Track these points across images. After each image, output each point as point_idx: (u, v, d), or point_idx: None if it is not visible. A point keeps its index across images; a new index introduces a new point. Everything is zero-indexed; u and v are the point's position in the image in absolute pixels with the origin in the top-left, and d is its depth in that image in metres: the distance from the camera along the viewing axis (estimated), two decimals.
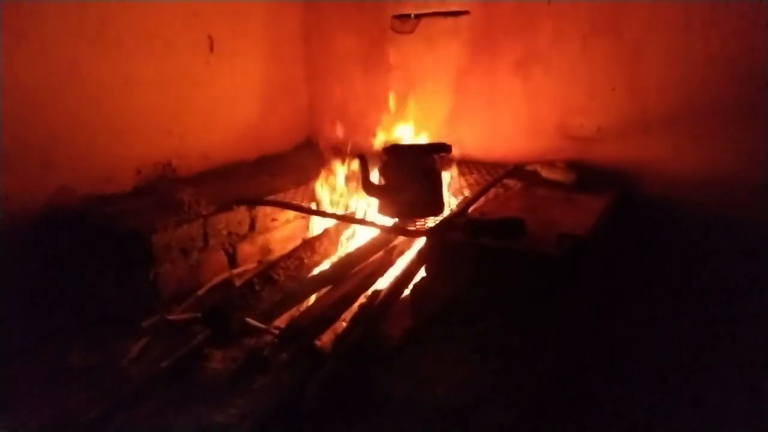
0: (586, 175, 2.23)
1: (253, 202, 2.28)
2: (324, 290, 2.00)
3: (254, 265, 2.28)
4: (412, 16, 2.69)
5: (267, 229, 2.38)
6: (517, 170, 2.36)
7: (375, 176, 2.09)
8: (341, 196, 2.39)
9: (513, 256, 1.65)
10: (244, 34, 2.76)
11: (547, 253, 1.61)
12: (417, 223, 1.98)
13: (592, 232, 1.79)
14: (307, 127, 3.15)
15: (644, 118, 2.23)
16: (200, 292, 2.08)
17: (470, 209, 2.02)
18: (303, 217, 2.48)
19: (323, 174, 2.42)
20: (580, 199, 2.10)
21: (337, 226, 2.28)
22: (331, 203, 2.37)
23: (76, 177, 2.16)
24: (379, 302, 1.86)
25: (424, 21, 2.69)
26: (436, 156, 2.06)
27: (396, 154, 2.04)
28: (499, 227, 1.71)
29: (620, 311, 2.12)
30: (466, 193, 2.19)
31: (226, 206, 2.20)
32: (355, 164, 2.14)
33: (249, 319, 1.81)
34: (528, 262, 1.63)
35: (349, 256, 2.10)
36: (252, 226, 2.31)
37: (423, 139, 2.48)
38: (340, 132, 2.56)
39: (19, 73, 1.96)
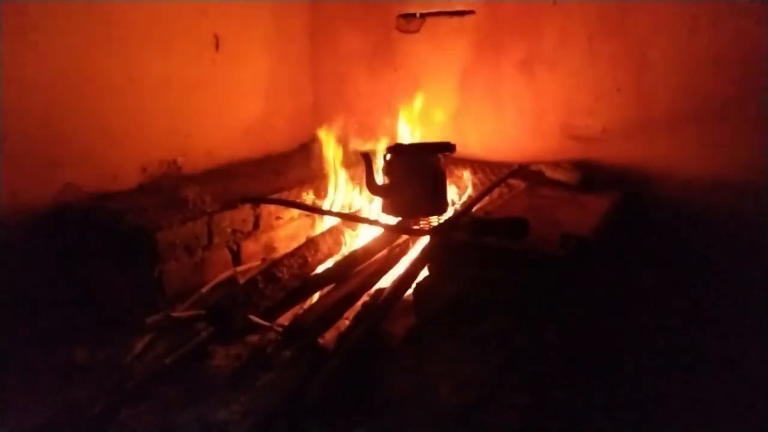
0: (590, 176, 2.23)
1: (258, 200, 2.28)
2: (327, 288, 2.00)
3: (258, 263, 2.28)
4: (418, 15, 2.70)
5: (271, 228, 2.38)
6: (521, 170, 2.36)
7: (379, 175, 2.09)
8: (345, 194, 2.39)
9: (516, 255, 1.65)
10: (250, 33, 2.77)
11: (551, 253, 1.60)
12: (421, 222, 1.98)
13: (596, 233, 1.79)
14: (312, 126, 3.15)
15: (649, 119, 2.23)
16: (204, 290, 2.08)
17: (474, 208, 2.02)
18: (307, 216, 2.48)
19: (328, 172, 2.43)
20: (584, 199, 2.09)
21: (341, 225, 2.28)
22: (335, 202, 2.38)
23: (81, 175, 2.17)
24: (382, 301, 1.86)
25: (429, 20, 2.69)
26: (440, 155, 2.07)
27: (400, 153, 2.05)
28: (502, 227, 1.71)
29: (624, 312, 2.11)
30: (470, 192, 2.19)
31: (230, 204, 2.21)
32: (360, 163, 2.14)
33: (252, 317, 1.81)
34: (531, 262, 1.63)
35: (352, 254, 2.11)
36: (256, 224, 2.31)
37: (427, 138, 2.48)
38: (344, 130, 2.56)
39: (26, 71, 1.98)
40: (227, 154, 2.70)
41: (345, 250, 2.22)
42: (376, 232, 2.20)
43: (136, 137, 2.34)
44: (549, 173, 2.30)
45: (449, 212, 2.03)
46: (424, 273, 1.90)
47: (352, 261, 2.08)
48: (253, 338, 1.80)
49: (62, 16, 2.04)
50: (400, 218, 2.06)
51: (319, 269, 2.09)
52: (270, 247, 2.38)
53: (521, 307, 1.61)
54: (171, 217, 2.04)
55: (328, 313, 1.84)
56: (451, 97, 2.68)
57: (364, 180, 2.05)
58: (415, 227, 1.96)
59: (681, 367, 1.90)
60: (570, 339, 1.68)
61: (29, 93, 1.99)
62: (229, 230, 2.21)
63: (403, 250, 2.18)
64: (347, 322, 1.86)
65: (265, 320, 1.83)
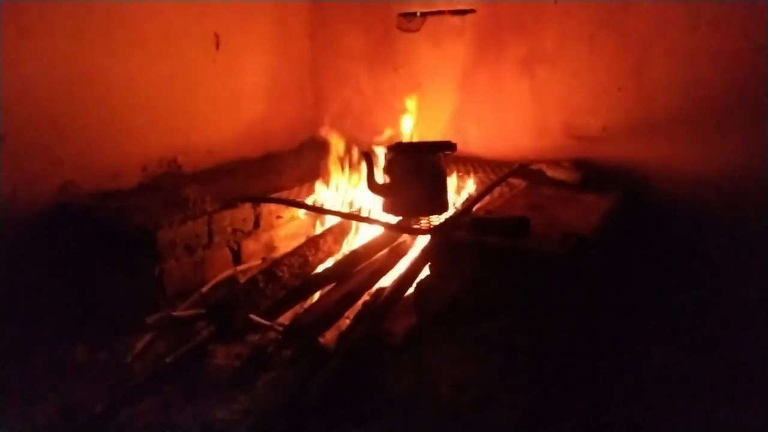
0: (591, 175, 2.23)
1: (258, 199, 2.28)
2: (328, 288, 2.00)
3: (258, 262, 2.28)
4: (418, 14, 2.69)
5: (271, 227, 2.38)
6: (522, 169, 2.36)
7: (380, 174, 2.08)
8: (346, 193, 2.39)
9: (517, 254, 1.65)
10: (251, 32, 2.77)
11: (552, 252, 1.60)
12: (421, 222, 1.97)
13: (597, 232, 1.79)
14: (312, 125, 3.15)
15: (650, 118, 2.22)
16: (204, 289, 2.08)
17: (475, 208, 2.02)
18: (307, 215, 2.48)
19: (328, 171, 2.42)
20: (585, 198, 2.09)
21: (341, 224, 2.28)
22: (336, 201, 2.37)
23: (82, 173, 2.17)
24: (382, 300, 1.86)
25: (430, 19, 2.68)
26: (440, 154, 2.06)
27: (401, 152, 2.04)
28: (503, 226, 1.71)
29: (625, 310, 2.11)
30: (471, 191, 2.19)
31: (230, 203, 2.20)
32: (361, 162, 2.14)
33: (253, 316, 1.81)
34: (532, 261, 1.63)
35: (353, 253, 2.10)
36: (257, 224, 2.31)
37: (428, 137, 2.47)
38: (345, 130, 2.56)
39: (26, 70, 1.98)
40: (228, 152, 2.70)
41: (345, 250, 2.22)
42: (377, 231, 2.19)
43: (137, 136, 2.34)
44: (549, 172, 2.29)
45: (450, 211, 2.02)
46: (425, 272, 1.90)
47: (352, 260, 2.07)
48: (254, 337, 1.80)
49: (62, 16, 2.04)
50: (400, 217, 2.05)
51: (320, 268, 2.09)
52: (270, 246, 2.38)
53: (522, 307, 1.61)
54: (171, 216, 2.04)
55: (328, 313, 1.84)
56: (451, 96, 2.67)
57: (365, 179, 2.04)
58: (416, 226, 1.95)
59: (680, 366, 1.89)
60: (570, 338, 1.68)
61: (29, 93, 1.99)
62: (229, 229, 2.21)
63: (404, 249, 2.18)
64: (348, 322, 1.86)
65: (265, 319, 1.83)
